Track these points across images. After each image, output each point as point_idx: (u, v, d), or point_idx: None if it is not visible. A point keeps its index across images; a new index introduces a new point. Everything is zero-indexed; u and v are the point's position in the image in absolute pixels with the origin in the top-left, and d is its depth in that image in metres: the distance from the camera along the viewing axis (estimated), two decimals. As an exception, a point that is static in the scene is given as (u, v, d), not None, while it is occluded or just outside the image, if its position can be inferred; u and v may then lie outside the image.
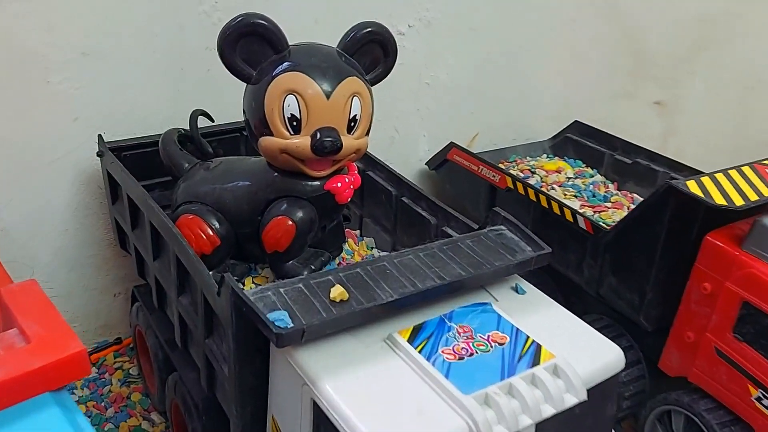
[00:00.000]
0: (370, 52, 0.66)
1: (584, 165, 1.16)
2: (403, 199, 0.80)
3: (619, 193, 1.07)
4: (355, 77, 0.62)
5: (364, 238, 0.87)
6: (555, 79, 1.27)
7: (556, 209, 0.91)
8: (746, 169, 0.79)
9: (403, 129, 1.13)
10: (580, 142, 1.20)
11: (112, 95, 0.87)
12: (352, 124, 0.63)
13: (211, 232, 0.68)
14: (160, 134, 0.81)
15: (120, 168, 0.78)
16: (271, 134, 0.61)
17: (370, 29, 0.65)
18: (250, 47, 0.60)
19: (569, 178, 1.09)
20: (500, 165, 1.16)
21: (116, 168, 0.79)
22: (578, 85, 1.30)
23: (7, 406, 0.44)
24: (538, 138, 1.27)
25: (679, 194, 0.74)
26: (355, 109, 0.62)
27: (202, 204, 0.70)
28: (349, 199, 0.68)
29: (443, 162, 1.11)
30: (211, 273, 0.57)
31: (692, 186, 0.74)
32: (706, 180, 0.75)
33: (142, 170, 0.83)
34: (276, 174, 0.65)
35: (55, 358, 0.45)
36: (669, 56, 1.37)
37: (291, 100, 0.59)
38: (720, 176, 0.76)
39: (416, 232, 0.79)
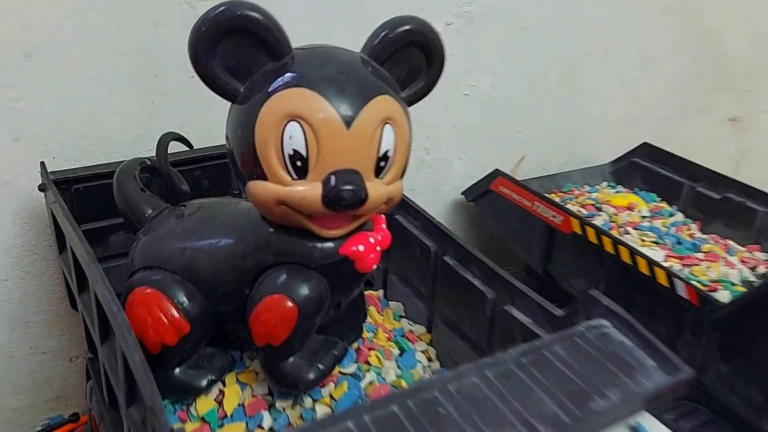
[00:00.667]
0: (408, 59, 0.45)
1: (658, 199, 0.95)
2: (445, 258, 0.59)
3: (708, 238, 0.85)
4: (387, 96, 0.42)
5: (390, 303, 0.66)
6: (619, 91, 1.06)
7: (643, 268, 0.69)
8: None
9: (434, 149, 0.92)
10: (649, 169, 0.99)
11: (63, 108, 0.67)
12: (382, 164, 0.43)
13: (176, 315, 0.47)
14: (126, 160, 0.60)
15: (62, 210, 0.57)
16: (263, 177, 0.41)
17: (407, 27, 0.44)
18: (237, 51, 0.41)
19: (644, 218, 0.87)
20: (554, 196, 0.95)
21: (58, 209, 0.59)
22: (646, 98, 1.09)
23: None
24: (596, 161, 1.05)
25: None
26: (387, 143, 0.42)
27: (167, 271, 0.49)
28: (375, 267, 0.48)
29: (485, 192, 0.90)
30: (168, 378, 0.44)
31: None
32: None
33: (102, 207, 0.63)
34: (272, 230, 0.46)
35: None
36: (749, 64, 1.15)
37: (294, 129, 0.40)
38: None
39: (464, 306, 0.58)
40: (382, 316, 0.64)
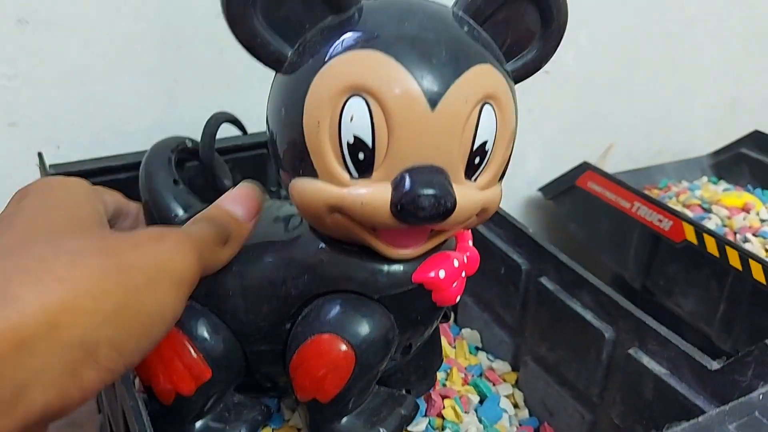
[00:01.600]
0: (517, 19, 0.32)
1: (776, 198, 0.79)
2: (542, 281, 0.46)
3: None
4: (489, 66, 0.30)
5: (463, 331, 0.53)
6: (723, 70, 0.90)
7: (783, 289, 0.55)
8: None
9: (509, 139, 0.78)
10: (762, 163, 0.83)
11: (67, 88, 0.55)
12: (477, 160, 0.30)
13: (194, 356, 0.35)
14: (143, 151, 0.48)
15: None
16: (313, 174, 0.30)
17: None
18: (285, 2, 0.29)
19: (764, 221, 0.72)
20: (648, 192, 0.80)
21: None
22: (754, 79, 0.93)
23: None
24: (692, 152, 0.90)
25: None
26: (486, 131, 0.30)
27: (204, 309, 0.37)
28: (459, 299, 0.35)
29: (569, 189, 0.76)
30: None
31: None
32: None
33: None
34: (323, 246, 0.34)
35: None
36: None
37: (358, 108, 0.28)
38: None
39: (567, 344, 0.44)
40: (455, 348, 0.51)
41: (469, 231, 0.37)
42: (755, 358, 0.34)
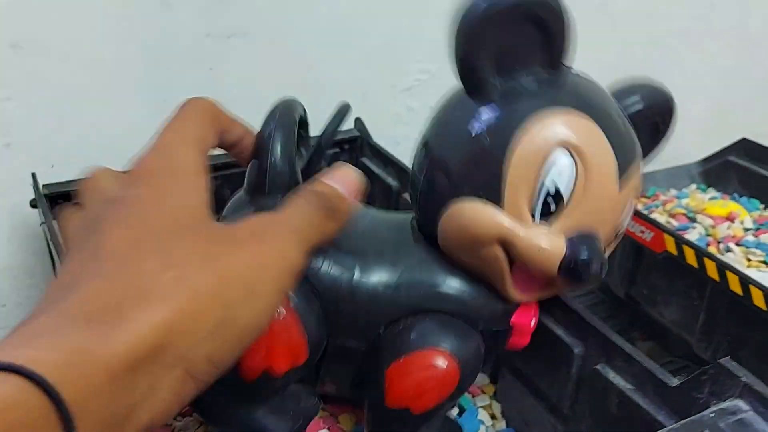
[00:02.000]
0: (650, 125, 0.42)
1: (762, 206, 0.80)
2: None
3: (828, 256, 0.71)
4: (640, 163, 0.38)
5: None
6: (711, 78, 0.91)
7: (759, 300, 0.56)
8: None
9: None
10: (749, 170, 0.84)
11: (60, 109, 0.57)
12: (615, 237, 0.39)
13: (300, 338, 0.35)
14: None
15: (51, 233, 0.48)
16: (497, 201, 0.33)
17: (665, 103, 0.43)
18: (516, 42, 0.33)
19: (748, 230, 0.73)
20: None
21: (54, 229, 0.49)
22: (743, 87, 0.94)
23: None
24: (682, 159, 0.91)
25: None
26: (628, 215, 0.38)
27: (305, 282, 0.36)
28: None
29: (556, 200, 0.77)
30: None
31: None
32: None
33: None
34: (444, 264, 0.36)
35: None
36: None
37: (565, 162, 0.32)
38: None
39: (541, 358, 0.46)
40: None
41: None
42: (711, 377, 0.35)
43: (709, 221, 0.74)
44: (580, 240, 0.32)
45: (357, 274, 0.35)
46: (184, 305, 0.24)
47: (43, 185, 0.53)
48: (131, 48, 0.58)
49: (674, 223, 0.75)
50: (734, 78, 0.93)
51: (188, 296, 0.24)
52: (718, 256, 0.68)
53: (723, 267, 0.59)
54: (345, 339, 0.36)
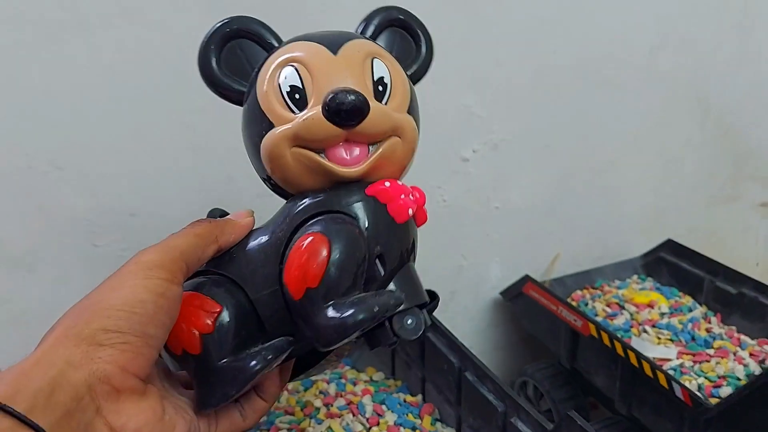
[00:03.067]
0: (403, 43, 0.49)
1: (680, 293, 1.03)
2: (466, 374, 0.71)
3: (723, 333, 0.93)
4: (369, 41, 0.46)
5: (426, 406, 0.79)
6: (645, 190, 1.16)
7: (648, 371, 0.79)
8: None
9: (471, 256, 1.04)
10: (675, 264, 1.08)
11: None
12: (380, 88, 0.43)
13: (204, 297, 0.44)
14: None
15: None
16: (272, 126, 0.42)
17: (387, 14, 0.49)
18: (239, 56, 0.45)
19: (663, 314, 0.96)
20: (585, 292, 1.06)
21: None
22: (672, 194, 1.18)
23: None
24: (628, 255, 1.15)
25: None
26: (380, 71, 0.43)
27: (213, 276, 0.46)
28: (411, 213, 0.44)
29: (518, 294, 1.01)
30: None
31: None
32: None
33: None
34: (298, 200, 0.44)
35: None
36: (773, 153, 1.23)
37: (287, 70, 0.42)
38: None
39: (481, 415, 0.70)
40: (422, 419, 0.77)
41: (421, 190, 0.46)
42: (565, 424, 0.59)
43: (634, 308, 0.97)
44: (328, 94, 0.39)
45: (245, 244, 0.45)
46: None
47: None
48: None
49: (609, 310, 0.98)
50: (664, 186, 1.17)
51: None
52: (635, 336, 0.91)
53: (625, 347, 0.82)
54: (259, 290, 0.43)
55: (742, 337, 0.92)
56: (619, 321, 0.95)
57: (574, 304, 1.00)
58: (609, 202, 1.13)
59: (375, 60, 0.43)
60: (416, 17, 0.48)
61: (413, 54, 0.48)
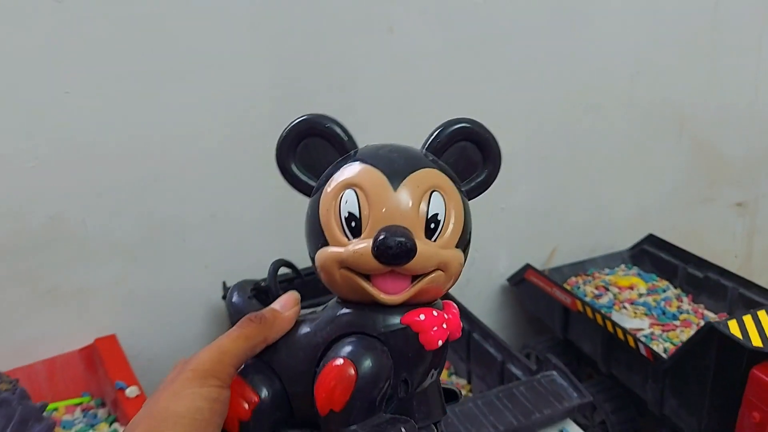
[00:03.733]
0: (464, 153, 0.47)
1: (658, 278, 1.24)
2: (474, 335, 0.93)
3: (690, 309, 1.13)
4: (435, 170, 0.44)
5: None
6: (630, 194, 1.36)
7: (620, 335, 1.00)
8: (792, 306, 0.86)
9: (482, 249, 1.25)
10: (655, 255, 1.28)
11: (234, 245, 1.06)
12: (432, 225, 0.43)
13: (245, 385, 0.46)
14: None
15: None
16: (326, 243, 0.43)
17: (461, 125, 0.47)
18: (311, 152, 0.47)
19: (641, 295, 1.17)
20: (578, 278, 1.26)
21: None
22: (654, 198, 1.38)
23: None
24: (618, 248, 1.35)
25: (722, 334, 0.82)
26: (436, 207, 0.43)
27: (256, 360, 0.48)
28: (441, 344, 0.42)
29: (521, 281, 1.22)
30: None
31: (733, 327, 0.81)
32: (747, 319, 0.82)
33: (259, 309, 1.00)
34: (342, 306, 0.46)
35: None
36: (746, 159, 1.43)
37: (349, 195, 0.43)
38: (762, 314, 0.83)
39: (485, 365, 0.91)
40: (439, 373, 0.98)
41: (454, 306, 0.44)
42: (545, 364, 0.79)
43: (617, 290, 1.18)
44: (379, 232, 0.39)
45: (287, 341, 0.44)
46: None
47: (228, 287, 1.02)
48: (268, 212, 1.07)
49: (596, 291, 1.19)
50: (647, 190, 1.38)
51: None
52: (616, 311, 1.12)
53: (604, 317, 1.03)
54: (295, 386, 0.44)
55: (706, 312, 1.13)
56: (604, 300, 1.16)
57: (568, 288, 1.21)
58: (599, 205, 1.34)
59: (434, 194, 0.42)
60: (490, 133, 0.47)
61: (479, 167, 0.47)
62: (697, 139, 1.38)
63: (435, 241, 0.42)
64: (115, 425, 0.85)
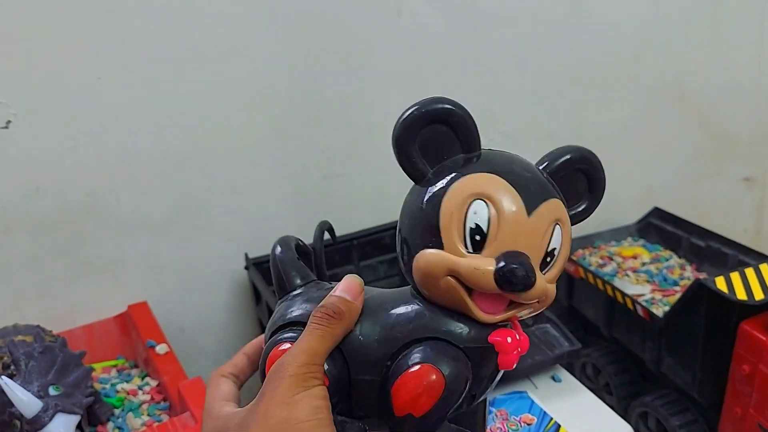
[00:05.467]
0: (574, 182, 0.47)
1: (663, 248, 1.28)
2: (478, 297, 0.99)
3: (692, 276, 1.18)
4: (560, 201, 0.44)
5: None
6: (636, 172, 1.40)
7: (620, 298, 1.05)
8: (775, 265, 0.90)
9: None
10: (660, 227, 1.32)
11: (255, 220, 1.14)
12: (549, 259, 0.43)
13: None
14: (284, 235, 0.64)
15: (260, 278, 1.04)
16: (440, 246, 0.42)
17: (579, 155, 0.47)
18: (435, 138, 0.44)
19: (644, 264, 1.21)
20: (585, 251, 1.31)
21: (257, 278, 1.05)
22: (661, 172, 1.43)
23: (185, 466, 0.67)
24: (625, 221, 1.40)
25: (710, 290, 0.87)
26: (556, 241, 0.43)
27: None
28: (514, 366, 0.44)
29: (530, 252, 1.28)
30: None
31: (720, 283, 0.86)
32: (734, 276, 0.87)
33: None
34: (424, 304, 0.44)
35: None
36: (752, 134, 1.46)
37: (480, 206, 0.41)
38: (749, 271, 0.88)
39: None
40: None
41: (518, 321, 0.44)
42: (539, 317, 0.85)
43: (620, 259, 1.23)
44: (505, 256, 0.38)
45: (366, 322, 0.44)
46: None
47: (249, 258, 1.10)
48: (287, 187, 1.14)
49: (601, 261, 1.24)
50: (654, 166, 1.42)
51: None
52: (618, 279, 1.17)
53: (605, 282, 1.08)
54: (362, 373, 0.43)
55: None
56: (608, 269, 1.21)
57: (574, 259, 1.26)
58: (609, 179, 1.38)
59: (557, 227, 0.42)
60: (602, 167, 0.47)
61: (583, 198, 0.47)
62: (702, 115, 1.41)
63: (546, 273, 0.41)
64: (147, 379, 0.93)
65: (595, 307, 1.13)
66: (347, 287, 0.43)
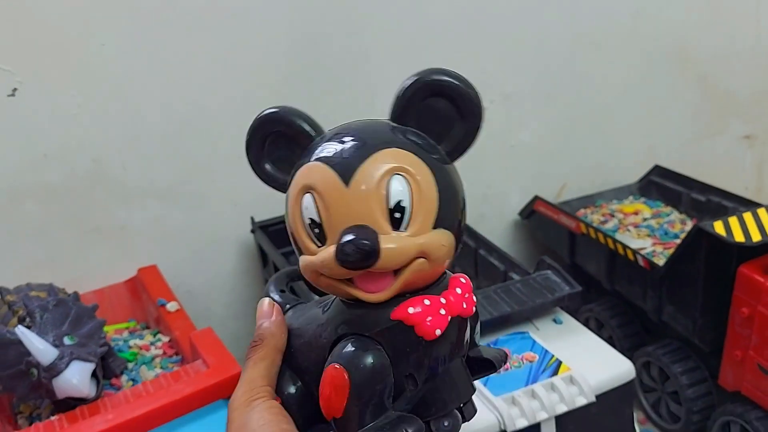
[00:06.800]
0: (435, 112, 0.40)
1: (664, 205, 1.29)
2: (480, 251, 1.01)
3: (692, 229, 1.19)
4: (395, 149, 0.39)
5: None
6: (637, 131, 1.41)
7: (620, 250, 1.06)
8: (772, 209, 0.92)
9: (494, 186, 1.32)
10: (661, 184, 1.34)
11: (260, 184, 1.15)
12: (397, 215, 0.38)
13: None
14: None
15: (266, 241, 1.06)
16: (301, 251, 0.41)
17: (421, 80, 0.39)
18: (278, 148, 0.43)
19: (645, 219, 1.23)
20: (587, 210, 1.33)
21: (264, 241, 1.07)
22: (661, 132, 1.43)
23: (196, 408, 0.70)
24: (627, 181, 1.41)
25: (709, 234, 0.88)
26: (398, 193, 0.38)
27: (283, 365, 0.46)
28: (440, 332, 0.39)
29: (531, 212, 1.29)
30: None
31: (718, 227, 0.87)
32: (732, 220, 0.88)
33: (284, 241, 1.09)
34: (341, 307, 0.43)
35: (226, 376, 0.71)
36: (752, 92, 1.47)
37: (307, 199, 0.39)
38: (747, 216, 0.89)
39: (490, 277, 0.99)
40: (451, 290, 1.06)
41: (460, 278, 0.40)
42: (541, 264, 0.87)
43: (621, 216, 1.24)
44: (339, 237, 0.36)
45: (302, 339, 0.43)
46: None
47: (255, 222, 1.12)
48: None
49: (602, 218, 1.25)
50: (655, 125, 1.43)
51: None
52: (620, 234, 1.19)
53: (605, 236, 1.10)
54: (313, 386, 0.41)
55: (707, 231, 1.18)
56: (609, 225, 1.22)
57: (576, 216, 1.27)
58: (606, 142, 1.39)
59: (393, 180, 0.38)
60: (459, 80, 0.39)
61: (455, 123, 0.40)
62: (701, 74, 1.42)
63: (406, 230, 0.37)
64: (159, 335, 0.95)
65: (597, 261, 1.14)
66: (258, 314, 0.44)
